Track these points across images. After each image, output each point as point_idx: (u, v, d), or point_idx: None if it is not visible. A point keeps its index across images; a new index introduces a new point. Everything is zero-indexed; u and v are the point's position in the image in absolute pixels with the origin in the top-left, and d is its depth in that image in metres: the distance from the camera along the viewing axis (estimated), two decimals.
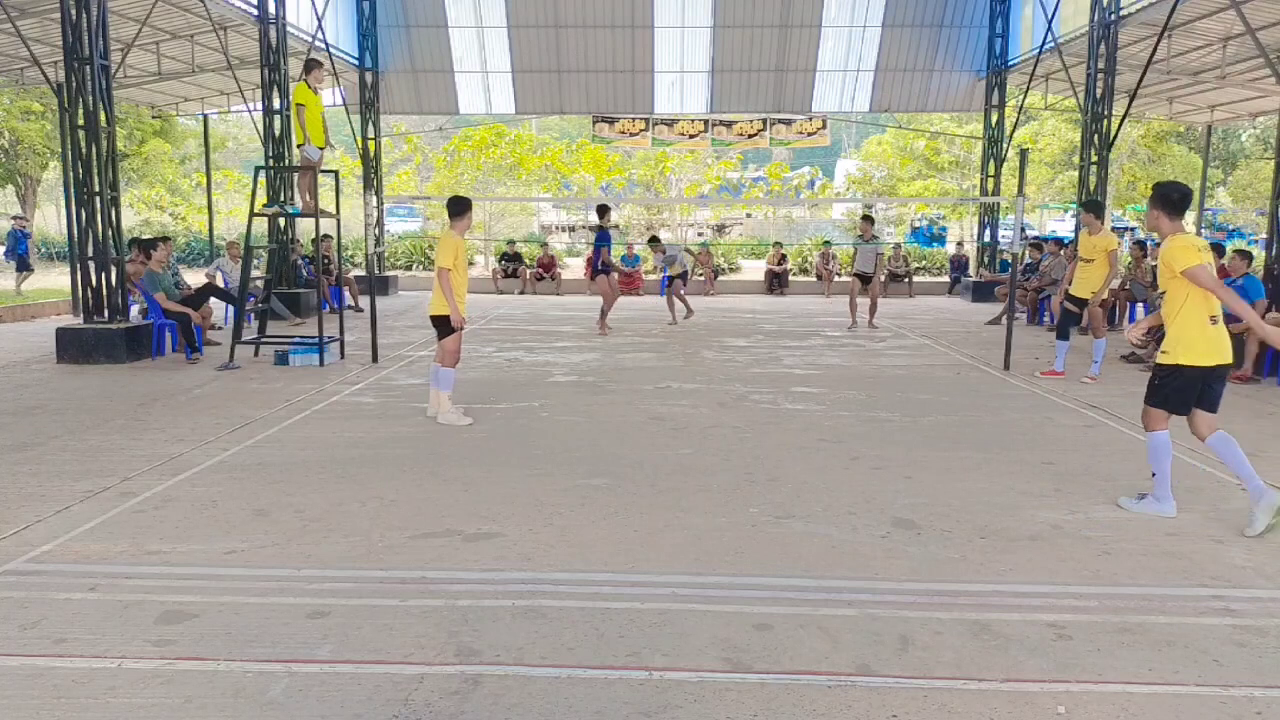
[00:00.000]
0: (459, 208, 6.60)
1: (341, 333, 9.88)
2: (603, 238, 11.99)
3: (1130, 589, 3.65)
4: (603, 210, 12.10)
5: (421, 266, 22.64)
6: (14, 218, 17.60)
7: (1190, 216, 32.81)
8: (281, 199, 13.08)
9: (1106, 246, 8.42)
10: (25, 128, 23.53)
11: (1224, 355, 4.40)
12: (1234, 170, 36.39)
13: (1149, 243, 14.48)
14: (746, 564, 3.89)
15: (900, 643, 3.16)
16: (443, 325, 6.54)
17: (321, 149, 9.30)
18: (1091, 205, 8.84)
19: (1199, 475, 5.33)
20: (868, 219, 12.85)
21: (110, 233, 9.42)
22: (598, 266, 12.07)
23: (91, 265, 9.44)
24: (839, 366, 9.41)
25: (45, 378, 8.35)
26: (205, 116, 21.12)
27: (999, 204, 18.89)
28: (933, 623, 3.31)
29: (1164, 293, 4.54)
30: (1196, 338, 4.36)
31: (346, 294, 13.90)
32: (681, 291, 13.85)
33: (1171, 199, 4.46)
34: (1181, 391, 4.44)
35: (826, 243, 21.82)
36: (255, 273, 11.72)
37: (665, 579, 3.71)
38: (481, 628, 3.24)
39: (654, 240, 15.21)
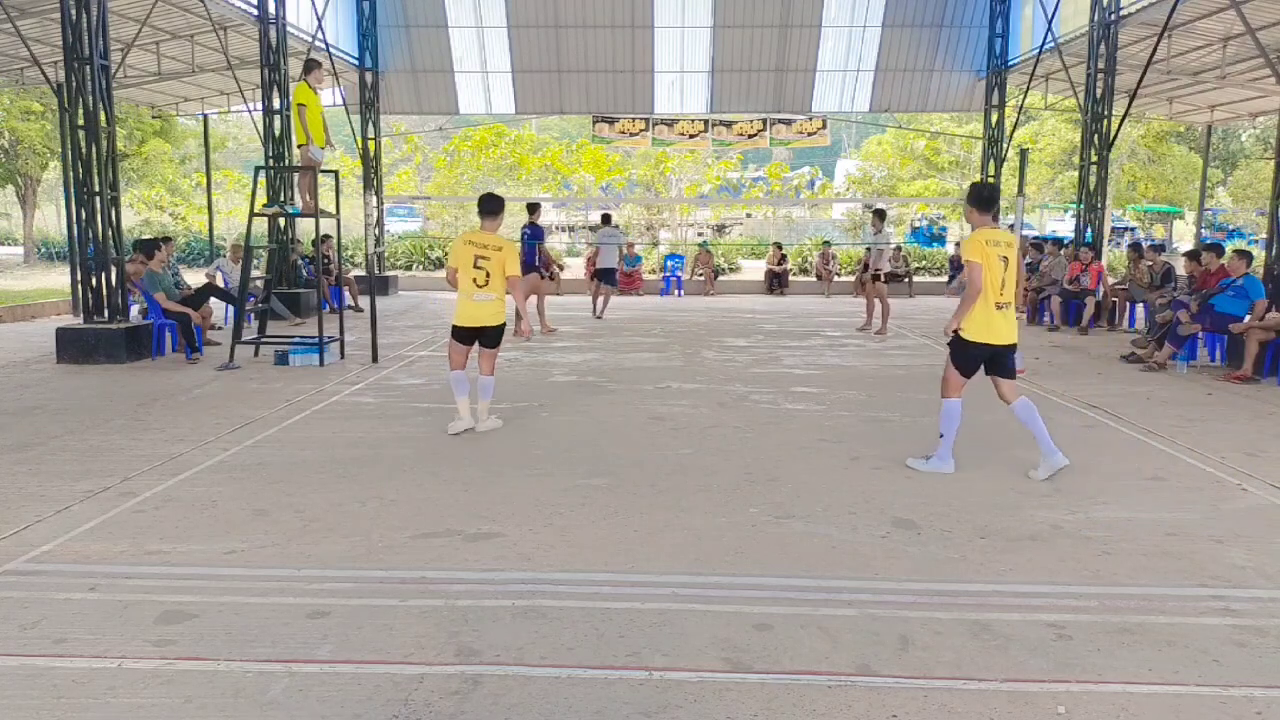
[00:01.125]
0: (500, 205, 6.20)
1: (341, 333, 9.88)
2: (536, 234, 11.70)
3: (1130, 589, 3.65)
4: (532, 207, 12.02)
5: (421, 267, 22.65)
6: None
7: (1190, 216, 32.93)
8: (281, 199, 13.08)
9: None
10: (25, 128, 23.52)
11: (1006, 337, 5.12)
12: (1234, 170, 36.40)
13: (1144, 244, 14.48)
14: (746, 564, 3.89)
15: (900, 643, 3.16)
16: (500, 335, 6.19)
17: (323, 149, 9.31)
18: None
19: (1199, 476, 5.33)
20: (880, 214, 12.77)
21: (110, 233, 9.41)
22: (533, 263, 11.44)
23: (92, 265, 9.43)
24: (839, 366, 9.41)
25: (45, 378, 8.35)
26: (205, 116, 21.12)
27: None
28: (933, 623, 3.32)
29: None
30: (979, 318, 5.05)
31: (346, 294, 13.90)
32: (604, 288, 13.92)
33: (982, 196, 5.23)
34: (968, 361, 5.17)
35: (826, 243, 21.83)
36: (255, 273, 11.72)
37: (665, 579, 3.71)
38: (481, 628, 3.24)
39: (605, 218, 14.79)
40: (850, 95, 19.80)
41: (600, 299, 14.02)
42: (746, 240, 30.88)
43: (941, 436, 5.31)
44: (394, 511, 4.54)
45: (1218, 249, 10.44)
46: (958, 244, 21.92)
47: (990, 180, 5.78)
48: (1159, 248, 13.07)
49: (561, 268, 18.09)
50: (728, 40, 18.94)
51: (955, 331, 5.14)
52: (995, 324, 5.04)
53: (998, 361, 5.18)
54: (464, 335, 6.14)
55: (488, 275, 5.94)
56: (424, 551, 4.00)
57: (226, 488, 4.92)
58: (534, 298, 11.56)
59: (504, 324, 6.15)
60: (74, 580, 3.65)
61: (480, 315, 6.03)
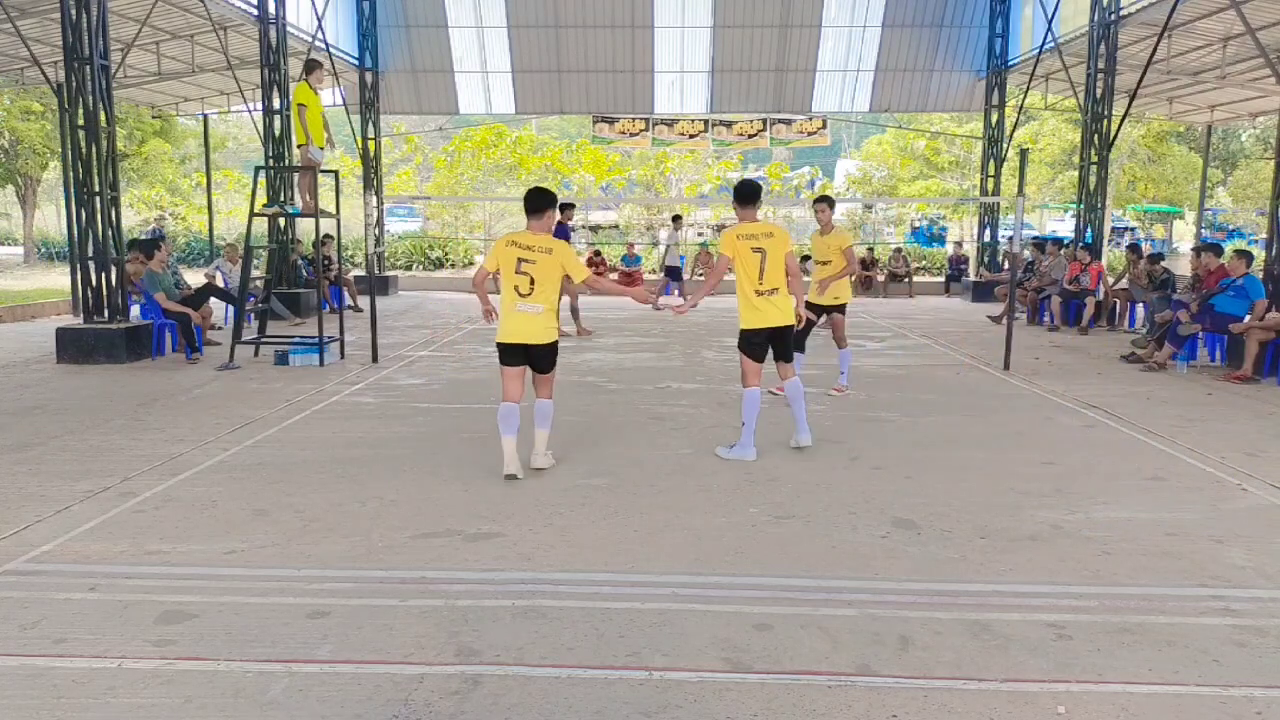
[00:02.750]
0: (550, 201, 5.27)
1: (341, 333, 9.88)
2: (563, 234, 11.79)
3: (1130, 589, 3.65)
4: (564, 207, 11.97)
5: (421, 267, 22.63)
6: (156, 218, 17.11)
7: (1190, 216, 32.92)
8: (281, 199, 13.08)
9: (841, 245, 7.63)
10: (25, 128, 23.51)
11: (776, 319, 5.51)
12: (1234, 170, 36.38)
13: (1141, 243, 14.47)
14: (746, 564, 3.89)
15: (900, 643, 3.16)
16: (553, 355, 5.29)
17: (322, 149, 9.32)
18: (823, 199, 7.75)
19: (1199, 476, 5.33)
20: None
21: (110, 233, 9.41)
22: None
23: (91, 265, 9.44)
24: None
25: (45, 378, 8.34)
26: (205, 116, 21.13)
27: (999, 204, 18.89)
28: (933, 623, 3.31)
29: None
30: (745, 308, 5.53)
31: (345, 294, 13.88)
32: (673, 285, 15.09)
33: (741, 193, 5.61)
34: (752, 347, 5.57)
35: None
36: (255, 273, 11.72)
37: (665, 579, 3.71)
38: (481, 628, 3.24)
39: (675, 219, 16.26)
40: (850, 95, 19.80)
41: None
42: None
43: (744, 424, 5.60)
44: (394, 511, 4.54)
45: (1216, 249, 10.43)
46: (958, 244, 21.99)
47: (753, 179, 6.24)
48: (1157, 256, 13.04)
49: None
50: (728, 40, 18.94)
51: (740, 327, 5.62)
52: (762, 309, 5.49)
53: (777, 345, 5.65)
54: (511, 355, 5.18)
55: (532, 282, 5.02)
56: (424, 551, 4.00)
57: (226, 488, 4.92)
58: (565, 298, 11.57)
59: (555, 343, 5.23)
60: (74, 580, 3.65)
61: (525, 329, 5.09)
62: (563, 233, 11.64)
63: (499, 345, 5.19)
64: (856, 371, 9.05)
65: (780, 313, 5.52)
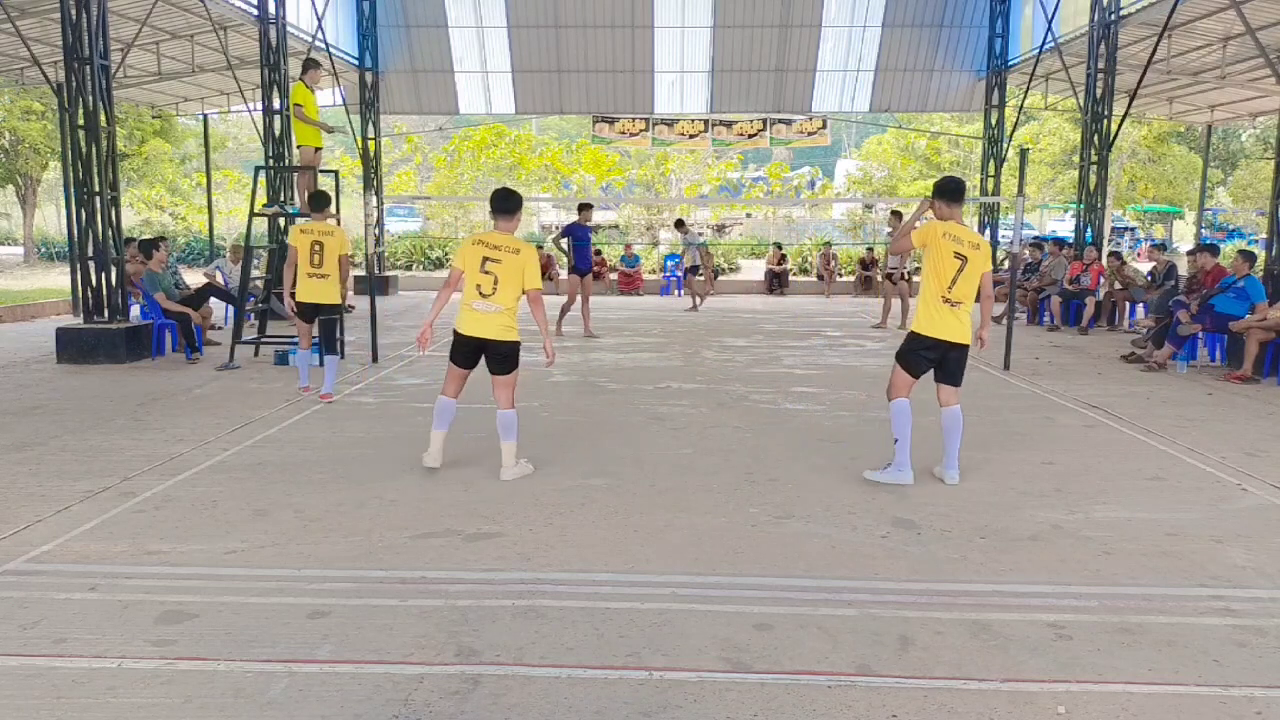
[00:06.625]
0: (518, 204, 5.13)
1: (341, 333, 9.85)
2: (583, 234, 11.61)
3: (1130, 589, 3.65)
4: (583, 207, 11.90)
5: (421, 267, 22.63)
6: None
7: (1190, 216, 32.93)
8: (281, 199, 13.08)
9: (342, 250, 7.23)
10: (25, 128, 23.52)
11: (950, 333, 4.92)
12: (1234, 170, 36.40)
13: (1150, 243, 14.44)
14: (746, 564, 3.89)
15: (900, 643, 3.16)
16: (512, 358, 5.10)
17: (319, 149, 9.34)
18: (318, 199, 7.23)
19: (1199, 476, 5.33)
20: (895, 213, 13.29)
21: (110, 233, 9.42)
22: (588, 266, 11.65)
23: (91, 265, 9.44)
24: (839, 366, 9.41)
25: (45, 378, 8.34)
26: (205, 116, 21.13)
27: (999, 204, 18.89)
28: (933, 623, 3.31)
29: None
30: (923, 312, 4.98)
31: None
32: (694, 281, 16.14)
33: (948, 189, 5.03)
34: (915, 356, 5.05)
35: (827, 243, 21.81)
36: (255, 273, 11.72)
37: (665, 579, 3.71)
38: (481, 628, 3.24)
39: (679, 223, 17.05)
40: (850, 95, 19.81)
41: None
42: (746, 240, 30.87)
43: (895, 441, 5.07)
44: (394, 511, 4.54)
45: (1212, 249, 10.43)
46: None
47: (958, 176, 5.61)
48: (1160, 246, 13.01)
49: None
50: (728, 40, 18.94)
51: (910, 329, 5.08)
52: (942, 318, 4.91)
53: (943, 359, 5.02)
54: (463, 350, 5.04)
55: (495, 282, 4.88)
56: (424, 551, 4.00)
57: (226, 488, 4.92)
58: (577, 299, 11.64)
59: (516, 342, 5.04)
60: (74, 580, 3.65)
61: (481, 324, 4.94)
62: (584, 234, 11.50)
63: (454, 336, 5.04)
64: (857, 372, 9.06)
65: (959, 328, 4.92)
